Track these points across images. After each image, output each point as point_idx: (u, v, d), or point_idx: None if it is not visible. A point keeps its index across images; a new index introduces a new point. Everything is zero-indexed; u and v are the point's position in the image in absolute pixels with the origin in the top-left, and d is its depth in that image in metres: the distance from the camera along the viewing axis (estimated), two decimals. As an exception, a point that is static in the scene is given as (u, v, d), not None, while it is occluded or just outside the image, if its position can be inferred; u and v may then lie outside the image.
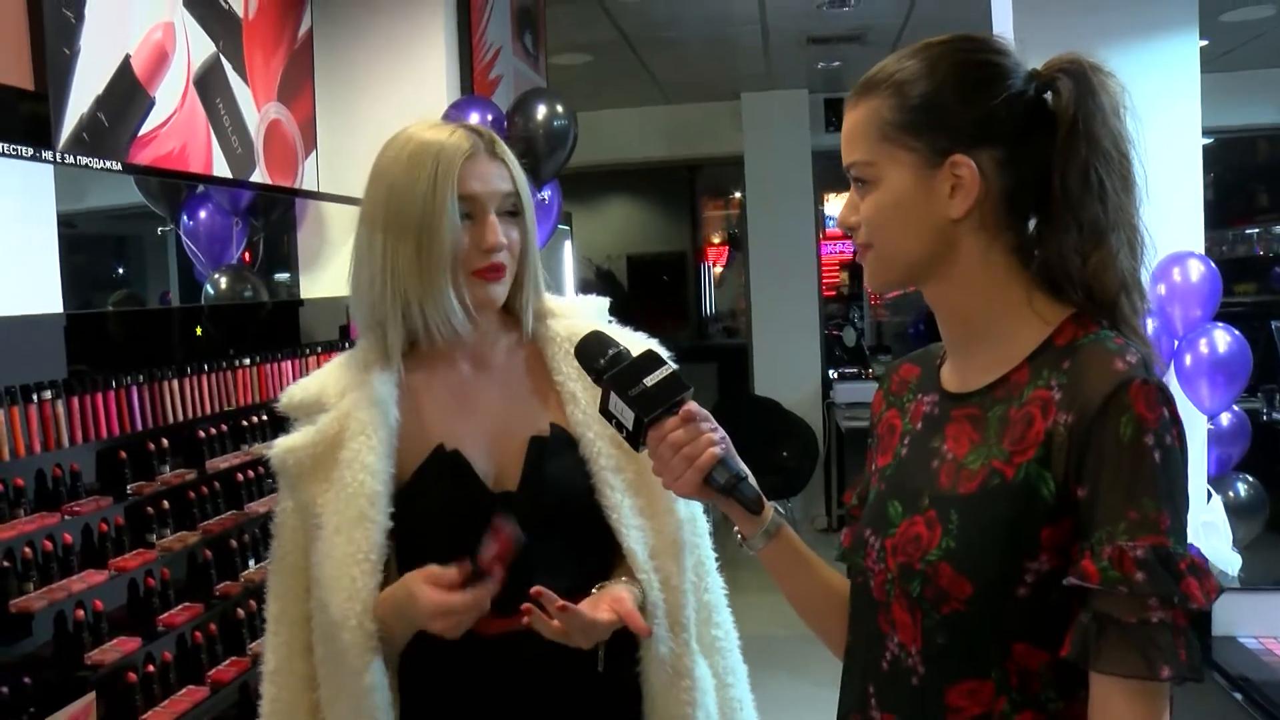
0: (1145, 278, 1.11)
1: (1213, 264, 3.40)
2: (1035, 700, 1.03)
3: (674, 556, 1.42)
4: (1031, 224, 1.11)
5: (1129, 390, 0.98)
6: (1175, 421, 1.00)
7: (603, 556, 1.42)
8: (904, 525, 1.11)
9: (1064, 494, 1.01)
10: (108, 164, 2.37)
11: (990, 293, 1.10)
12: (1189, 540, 1.00)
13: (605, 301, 1.60)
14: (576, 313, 1.52)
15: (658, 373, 1.23)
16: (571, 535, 1.42)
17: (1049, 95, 1.08)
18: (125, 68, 2.45)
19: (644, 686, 1.41)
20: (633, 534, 1.40)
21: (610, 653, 1.37)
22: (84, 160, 2.29)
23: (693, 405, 1.21)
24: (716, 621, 1.52)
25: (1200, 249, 3.46)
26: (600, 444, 1.42)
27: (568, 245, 6.13)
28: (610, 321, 1.55)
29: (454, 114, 3.52)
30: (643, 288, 10.45)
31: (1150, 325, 3.25)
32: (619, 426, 1.24)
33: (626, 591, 1.37)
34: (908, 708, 1.09)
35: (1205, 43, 3.88)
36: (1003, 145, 1.07)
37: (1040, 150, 1.07)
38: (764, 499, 1.23)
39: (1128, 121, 1.08)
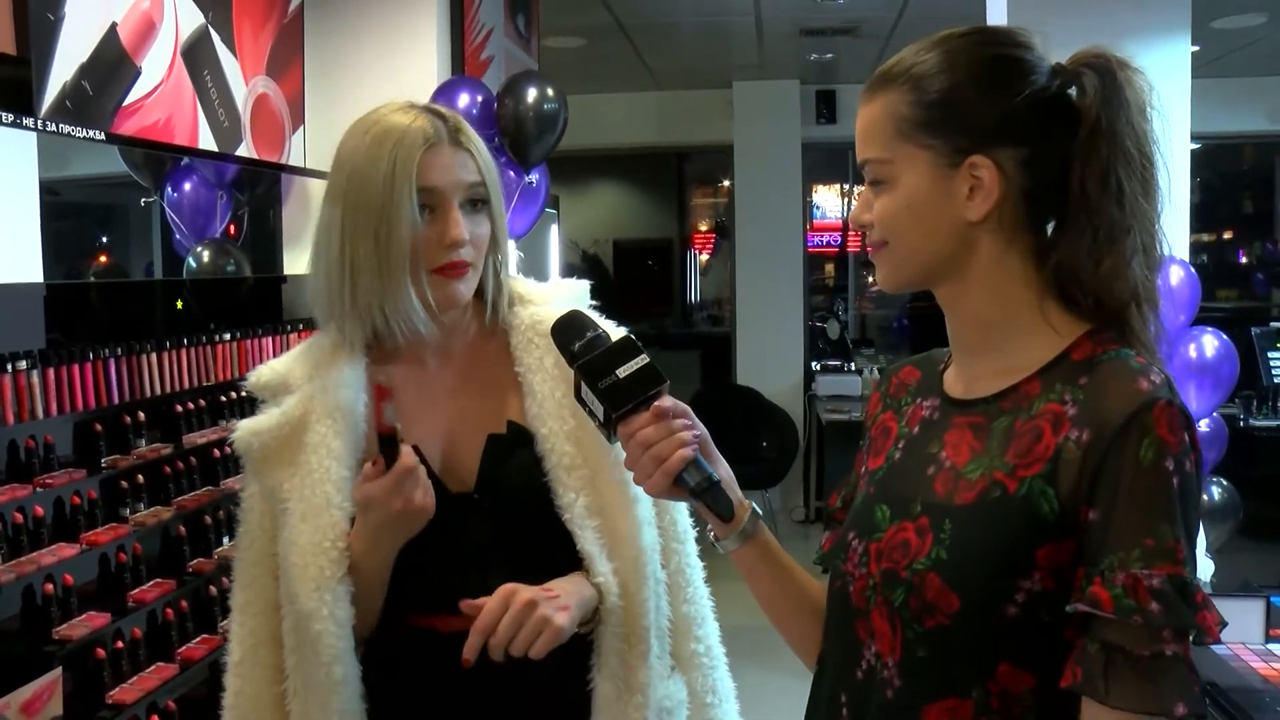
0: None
1: (1192, 269, 3.42)
2: None
3: (634, 561, 1.34)
4: (1050, 226, 1.06)
5: (1152, 411, 0.94)
6: (1195, 447, 0.96)
7: (568, 559, 1.35)
8: (891, 530, 1.06)
9: (1068, 513, 0.96)
10: (91, 133, 2.35)
11: (1006, 297, 1.05)
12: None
13: (584, 286, 1.51)
14: (548, 299, 1.43)
15: (631, 363, 1.15)
16: (532, 537, 1.36)
17: (1073, 91, 1.03)
18: (111, 35, 2.42)
19: (593, 697, 1.34)
20: (587, 535, 1.33)
21: (562, 659, 1.31)
22: (66, 129, 2.26)
23: (666, 401, 1.15)
24: (698, 636, 1.45)
25: (1185, 254, 3.48)
26: (554, 440, 1.35)
27: (554, 229, 6.10)
28: (589, 308, 1.45)
29: (443, 94, 3.50)
30: (629, 273, 10.45)
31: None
32: (592, 415, 1.18)
33: (563, 584, 1.30)
34: None
35: (1196, 48, 3.89)
36: (1024, 144, 1.02)
37: (1061, 149, 1.02)
38: (735, 506, 1.16)
39: (1154, 121, 1.03)
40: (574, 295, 1.47)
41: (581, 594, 1.31)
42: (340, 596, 1.30)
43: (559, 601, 1.27)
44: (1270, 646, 2.09)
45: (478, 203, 1.36)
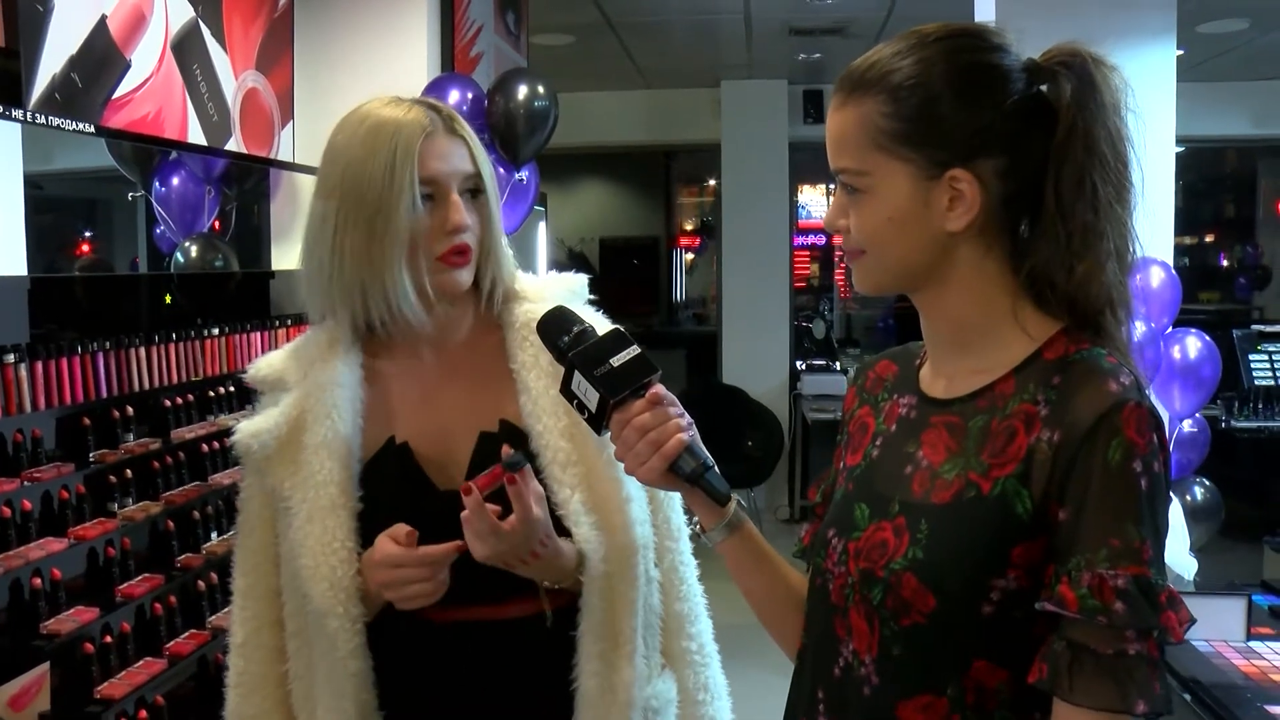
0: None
1: (1173, 271, 3.46)
2: (989, 719, 1.00)
3: (624, 560, 1.35)
4: (1024, 228, 1.06)
5: (1121, 413, 0.95)
6: (1163, 448, 0.97)
7: None
8: (870, 529, 1.07)
9: (1041, 513, 0.97)
10: (80, 126, 2.34)
11: (982, 299, 1.06)
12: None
13: (581, 280, 1.50)
14: (543, 295, 1.43)
15: (625, 353, 1.17)
16: None
17: (1046, 87, 1.03)
18: (101, 28, 2.41)
19: (576, 693, 1.35)
20: (583, 531, 1.33)
21: (553, 655, 1.34)
22: (56, 121, 2.25)
23: (660, 388, 1.16)
24: (690, 633, 1.45)
25: (1170, 257, 3.51)
26: (549, 437, 1.35)
27: (541, 226, 6.11)
28: (586, 302, 1.47)
29: (433, 91, 3.50)
30: (614, 271, 10.45)
31: (1138, 329, 3.29)
32: (580, 408, 1.18)
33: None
34: (856, 717, 1.06)
35: (1181, 52, 3.92)
36: (1003, 154, 1.02)
37: (1038, 151, 1.02)
38: (730, 490, 1.17)
39: (1128, 119, 1.03)
40: (569, 290, 1.47)
41: (562, 559, 1.32)
42: (353, 594, 1.32)
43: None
44: (1251, 644, 2.11)
45: (475, 192, 1.38)
